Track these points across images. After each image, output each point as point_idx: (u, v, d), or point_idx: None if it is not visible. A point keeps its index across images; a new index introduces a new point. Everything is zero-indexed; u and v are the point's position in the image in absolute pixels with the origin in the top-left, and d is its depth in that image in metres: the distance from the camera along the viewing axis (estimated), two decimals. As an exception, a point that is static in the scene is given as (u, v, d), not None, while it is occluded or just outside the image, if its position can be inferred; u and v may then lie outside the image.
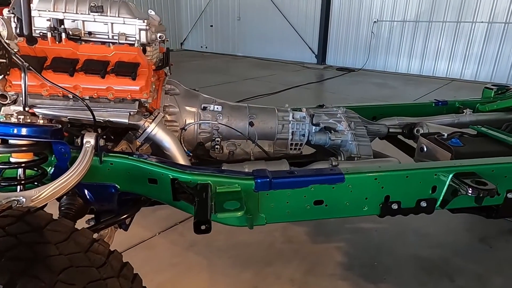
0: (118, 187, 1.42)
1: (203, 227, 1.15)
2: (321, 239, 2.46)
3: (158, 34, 1.63)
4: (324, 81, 9.00)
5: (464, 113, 2.45)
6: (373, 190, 1.50)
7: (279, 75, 9.50)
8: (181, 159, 1.59)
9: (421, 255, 2.30)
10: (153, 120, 1.53)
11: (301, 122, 1.94)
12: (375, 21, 10.10)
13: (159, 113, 1.57)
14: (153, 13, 1.68)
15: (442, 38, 9.18)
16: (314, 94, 7.68)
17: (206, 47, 14.61)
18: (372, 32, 10.24)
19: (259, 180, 1.39)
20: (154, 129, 1.53)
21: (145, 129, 1.52)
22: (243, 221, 1.44)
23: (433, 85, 8.29)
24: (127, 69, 1.39)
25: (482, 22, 8.54)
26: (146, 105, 1.56)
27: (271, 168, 1.62)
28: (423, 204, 1.55)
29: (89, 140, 1.33)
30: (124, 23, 1.46)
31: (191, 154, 1.81)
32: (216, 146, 1.84)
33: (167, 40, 1.94)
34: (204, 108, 1.82)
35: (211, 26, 14.19)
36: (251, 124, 1.86)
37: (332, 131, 1.89)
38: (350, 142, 1.85)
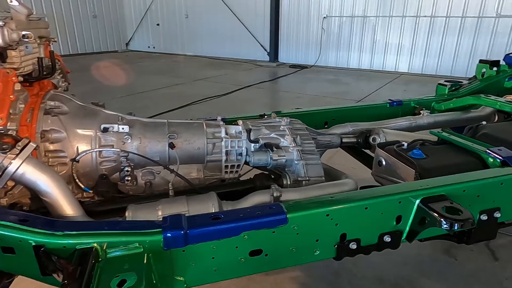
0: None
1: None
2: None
3: (24, 33, 1.16)
4: (277, 79, 8.75)
5: (421, 115, 2.22)
6: (326, 229, 1.16)
7: (231, 75, 9.11)
8: (66, 207, 1.14)
9: (385, 278, 2.04)
10: (17, 154, 1.08)
11: (237, 139, 1.57)
12: (324, 17, 10.04)
13: (28, 143, 1.11)
14: (15, 3, 1.21)
15: (389, 33, 9.31)
16: (268, 94, 7.39)
17: (154, 47, 13.82)
18: (322, 28, 10.17)
19: (169, 234, 0.99)
20: (20, 168, 1.08)
21: (5, 169, 1.06)
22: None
23: (384, 80, 8.35)
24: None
25: (425, 16, 8.75)
26: (10, 133, 1.10)
27: (194, 207, 1.24)
28: (387, 238, 1.24)
29: None
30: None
31: (90, 191, 1.37)
32: (127, 178, 1.41)
33: (55, 41, 1.47)
34: (105, 130, 1.38)
35: (158, 24, 13.44)
36: (171, 145, 1.45)
37: (274, 149, 1.53)
38: (296, 162, 1.51)
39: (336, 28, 10.03)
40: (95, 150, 1.34)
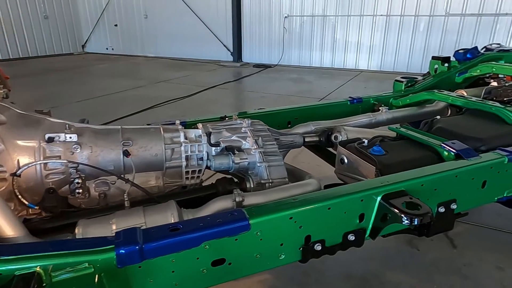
0: None
1: None
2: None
3: None
4: (241, 79, 8.71)
5: (380, 111, 2.27)
6: (290, 233, 1.14)
7: (194, 76, 8.95)
8: (5, 228, 1.03)
9: (353, 274, 2.06)
10: None
11: (197, 143, 1.51)
12: (286, 16, 10.13)
13: (-45, 159, 0.99)
14: None
15: (348, 32, 9.57)
16: (232, 94, 7.33)
17: (113, 49, 13.28)
18: (284, 27, 10.26)
19: (122, 251, 0.92)
20: None
21: None
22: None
23: (345, 77, 8.56)
24: None
25: (381, 15, 9.08)
26: None
27: (151, 218, 1.17)
28: (351, 237, 1.24)
29: None
30: None
31: (36, 207, 1.25)
32: (78, 190, 1.30)
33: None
34: (50, 139, 1.27)
35: (116, 25, 12.92)
36: (125, 153, 1.37)
37: (236, 151, 1.49)
38: (258, 164, 1.47)
39: (298, 27, 10.16)
40: (38, 162, 1.22)
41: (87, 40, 13.71)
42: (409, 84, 2.76)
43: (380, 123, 2.23)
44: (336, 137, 1.87)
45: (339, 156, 1.68)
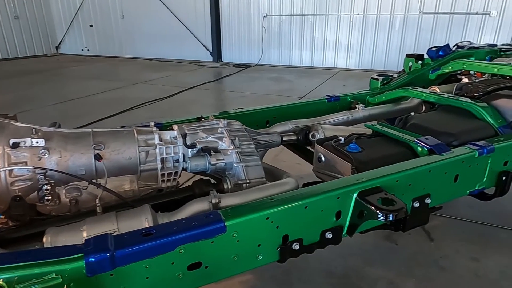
0: None
1: None
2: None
3: None
4: (221, 79, 8.66)
5: (356, 109, 2.30)
6: (267, 233, 1.13)
7: (173, 76, 8.83)
8: (-35, 238, 0.97)
9: (334, 271, 2.08)
10: None
11: (172, 145, 1.48)
12: (264, 16, 10.15)
13: None
14: None
15: (327, 31, 9.68)
16: (212, 95, 7.27)
17: (88, 50, 12.94)
18: (263, 27, 10.28)
19: (92, 259, 0.89)
20: None
21: None
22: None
23: (324, 76, 8.65)
24: None
25: (358, 14, 9.23)
26: None
27: (125, 223, 1.13)
28: (329, 235, 1.25)
29: None
30: None
31: (1, 216, 1.19)
32: (47, 197, 1.25)
33: None
34: (16, 145, 1.21)
35: (91, 26, 12.59)
36: (97, 157, 1.32)
37: (212, 152, 1.47)
38: (235, 165, 1.46)
39: (277, 27, 10.20)
40: (2, 169, 1.17)
41: (61, 41, 13.31)
42: (385, 82, 2.81)
43: (357, 120, 2.26)
44: (313, 136, 1.87)
45: (316, 154, 1.69)
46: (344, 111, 2.28)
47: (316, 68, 9.90)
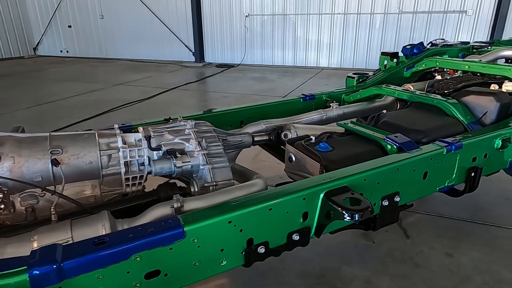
0: None
1: None
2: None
3: None
4: (204, 80, 8.58)
5: (331, 107, 2.29)
6: (230, 237, 1.09)
7: (155, 77, 8.70)
8: None
9: (311, 271, 2.06)
10: None
11: (137, 148, 1.43)
12: (246, 15, 10.11)
13: None
14: None
15: (308, 30, 9.72)
16: (194, 95, 7.19)
17: (67, 51, 12.65)
18: (245, 26, 10.24)
19: (36, 272, 0.83)
20: None
21: None
22: None
23: (307, 75, 8.68)
24: None
25: (339, 13, 9.30)
26: None
27: (79, 232, 1.08)
28: (296, 237, 1.22)
29: None
30: None
31: None
32: (0, 206, 1.18)
33: None
34: (-37, 152, 1.14)
35: (69, 26, 12.30)
36: (54, 162, 1.26)
37: (178, 155, 1.42)
38: (202, 167, 1.42)
39: (259, 26, 10.18)
40: None
41: (38, 42, 12.96)
42: (361, 80, 2.81)
43: (331, 119, 2.25)
44: (285, 135, 1.85)
45: (287, 154, 1.66)
46: (319, 110, 2.26)
47: (298, 67, 9.92)
